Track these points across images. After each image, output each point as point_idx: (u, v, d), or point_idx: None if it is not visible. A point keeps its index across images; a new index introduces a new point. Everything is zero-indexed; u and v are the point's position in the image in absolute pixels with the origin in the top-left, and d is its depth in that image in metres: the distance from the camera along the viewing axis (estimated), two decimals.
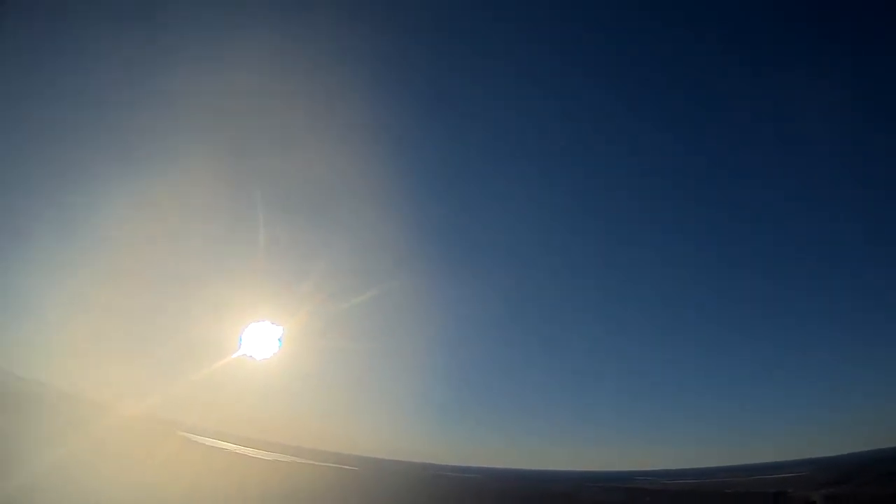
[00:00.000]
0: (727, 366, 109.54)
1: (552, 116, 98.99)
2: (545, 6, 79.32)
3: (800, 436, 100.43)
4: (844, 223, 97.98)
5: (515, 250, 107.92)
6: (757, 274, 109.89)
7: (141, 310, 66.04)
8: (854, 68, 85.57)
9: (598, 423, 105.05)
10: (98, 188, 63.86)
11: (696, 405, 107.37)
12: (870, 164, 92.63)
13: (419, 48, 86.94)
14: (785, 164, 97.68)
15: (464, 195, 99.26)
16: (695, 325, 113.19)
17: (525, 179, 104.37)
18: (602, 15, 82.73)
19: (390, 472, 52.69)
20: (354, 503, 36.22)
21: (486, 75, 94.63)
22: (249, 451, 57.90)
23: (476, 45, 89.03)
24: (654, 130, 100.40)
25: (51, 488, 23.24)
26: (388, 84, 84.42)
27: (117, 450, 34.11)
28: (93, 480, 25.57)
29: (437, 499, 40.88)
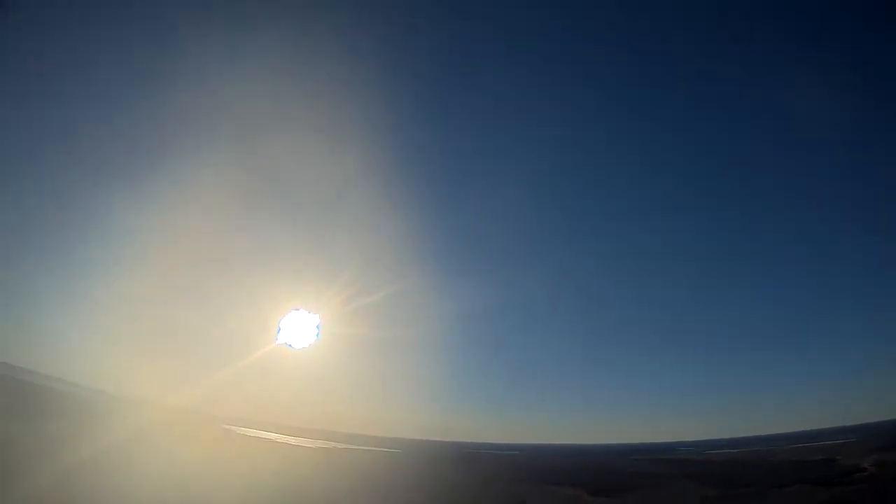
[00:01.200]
0: (766, 332, 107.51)
1: (568, 117, 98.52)
2: (548, 7, 78.70)
3: (842, 402, 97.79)
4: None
5: (551, 236, 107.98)
6: (800, 238, 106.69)
7: (178, 306, 68.20)
8: (854, 67, 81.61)
9: (637, 395, 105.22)
10: (132, 188, 66.12)
11: (736, 374, 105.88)
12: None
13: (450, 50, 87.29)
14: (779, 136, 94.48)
15: (492, 193, 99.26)
16: (733, 294, 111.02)
17: (544, 178, 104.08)
18: (604, 14, 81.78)
19: (431, 453, 53.49)
20: (400, 484, 36.83)
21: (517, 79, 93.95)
22: (292, 440, 59.58)
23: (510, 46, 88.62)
24: (660, 129, 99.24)
25: (101, 484, 24.42)
26: (422, 86, 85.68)
27: (163, 445, 35.47)
28: (141, 476, 26.70)
29: (478, 476, 41.38)
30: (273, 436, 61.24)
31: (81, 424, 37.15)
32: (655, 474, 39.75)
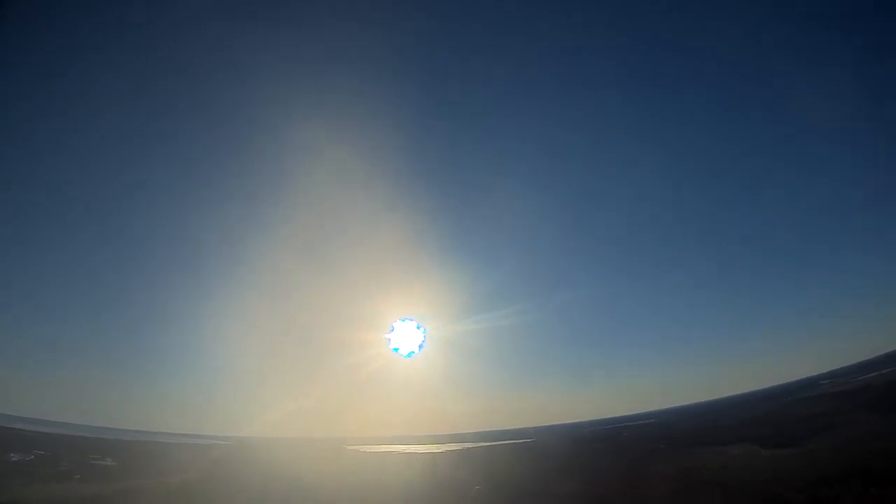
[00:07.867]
0: None
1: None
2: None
3: None
4: None
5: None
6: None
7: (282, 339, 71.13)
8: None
9: (745, 340, 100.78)
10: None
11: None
12: None
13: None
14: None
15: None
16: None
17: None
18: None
19: (565, 436, 53.25)
20: (550, 469, 36.72)
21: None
22: (421, 448, 61.07)
23: None
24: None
25: None
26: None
27: (306, 480, 37.08)
28: None
29: (631, 449, 40.80)
30: (401, 448, 63.04)
31: (222, 473, 39.52)
32: (822, 413, 37.22)
